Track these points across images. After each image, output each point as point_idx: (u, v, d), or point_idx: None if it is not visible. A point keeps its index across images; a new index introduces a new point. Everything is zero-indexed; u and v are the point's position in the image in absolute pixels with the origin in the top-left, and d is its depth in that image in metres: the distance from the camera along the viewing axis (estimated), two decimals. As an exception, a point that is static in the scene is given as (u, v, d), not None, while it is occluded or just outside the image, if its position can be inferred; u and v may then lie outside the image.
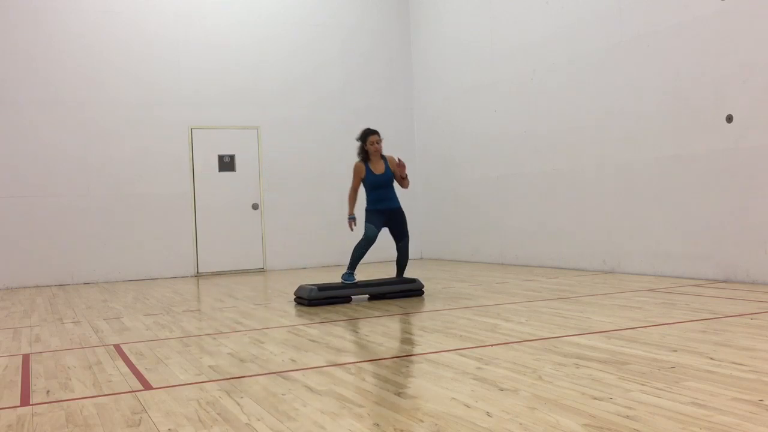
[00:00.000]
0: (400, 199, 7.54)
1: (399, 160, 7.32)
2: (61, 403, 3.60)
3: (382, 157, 7.34)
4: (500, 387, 3.47)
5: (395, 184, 7.49)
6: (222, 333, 5.60)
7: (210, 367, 4.31)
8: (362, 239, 7.25)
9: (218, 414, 3.25)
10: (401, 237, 7.44)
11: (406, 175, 7.39)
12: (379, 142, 7.25)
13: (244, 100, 12.02)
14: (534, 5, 10.08)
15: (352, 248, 7.41)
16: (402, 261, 7.53)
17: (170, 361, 4.54)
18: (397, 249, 7.49)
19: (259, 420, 3.12)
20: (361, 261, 7.46)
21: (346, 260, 12.26)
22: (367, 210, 7.37)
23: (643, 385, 3.38)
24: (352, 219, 7.35)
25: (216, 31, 11.88)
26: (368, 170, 7.26)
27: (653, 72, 8.18)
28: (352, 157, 7.74)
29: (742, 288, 6.81)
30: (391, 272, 10.30)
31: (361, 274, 7.91)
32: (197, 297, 8.48)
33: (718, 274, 7.48)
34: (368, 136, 7.27)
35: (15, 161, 10.71)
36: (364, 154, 7.31)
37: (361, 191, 7.46)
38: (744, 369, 3.62)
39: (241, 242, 11.91)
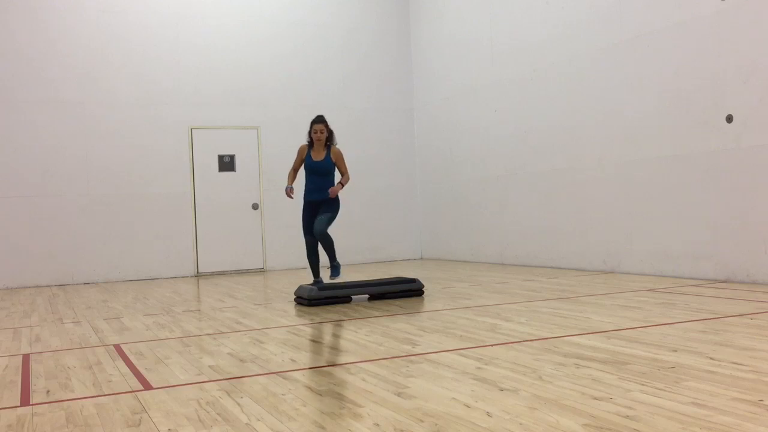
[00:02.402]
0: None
1: (338, 190, 7.40)
2: (61, 403, 3.60)
3: (328, 147, 7.46)
4: (500, 387, 3.47)
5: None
6: (222, 333, 5.60)
7: (210, 367, 4.31)
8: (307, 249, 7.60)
9: (218, 414, 3.25)
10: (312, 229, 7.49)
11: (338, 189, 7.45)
12: (322, 131, 7.39)
13: (244, 100, 12.02)
14: (534, 5, 10.08)
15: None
16: (314, 258, 7.66)
17: (170, 361, 4.54)
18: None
19: (259, 420, 3.12)
20: (360, 262, 7.57)
21: (346, 260, 12.30)
22: (303, 201, 7.58)
23: (643, 385, 3.38)
24: (290, 188, 7.48)
25: (216, 31, 11.88)
26: (308, 154, 7.48)
27: (653, 72, 8.18)
28: (352, 156, 7.77)
29: (742, 288, 6.81)
30: (391, 272, 10.31)
31: (362, 274, 7.92)
32: (197, 297, 8.48)
33: (718, 274, 7.48)
34: (312, 125, 7.47)
35: (15, 161, 10.71)
36: (310, 139, 7.50)
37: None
38: (744, 369, 3.62)
39: (241, 242, 11.91)
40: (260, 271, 11.96)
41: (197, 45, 11.73)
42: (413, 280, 7.38)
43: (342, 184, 7.44)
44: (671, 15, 7.95)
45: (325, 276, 7.94)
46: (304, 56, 12.42)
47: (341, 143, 12.41)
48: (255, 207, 12.02)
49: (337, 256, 7.67)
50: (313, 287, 7.00)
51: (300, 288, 7.21)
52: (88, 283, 10.91)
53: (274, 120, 12.18)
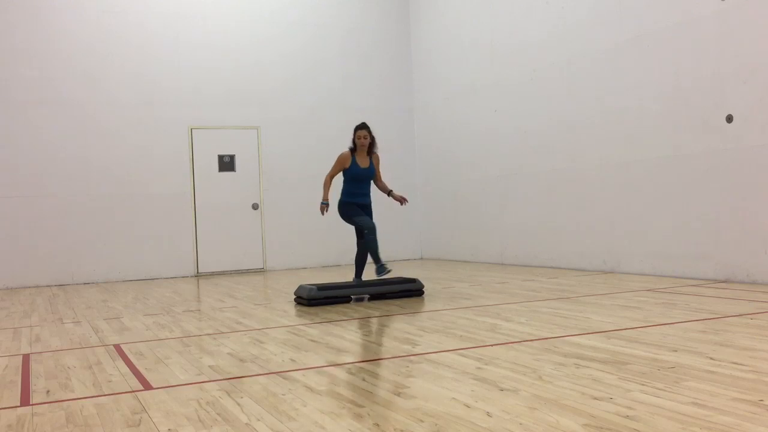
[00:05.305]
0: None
1: (402, 200, 7.65)
2: (61, 403, 3.60)
3: (369, 153, 7.52)
4: (500, 387, 3.47)
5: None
6: (222, 333, 5.60)
7: (210, 367, 4.31)
8: (368, 233, 7.32)
9: (218, 414, 3.25)
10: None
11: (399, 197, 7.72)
12: (366, 137, 7.43)
13: (244, 100, 12.02)
14: (534, 5, 10.08)
15: (356, 252, 7.61)
16: (362, 258, 7.60)
17: (170, 361, 4.54)
18: (359, 244, 7.56)
19: (259, 420, 3.12)
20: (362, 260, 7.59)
21: (346, 260, 12.31)
22: (343, 203, 7.46)
23: (643, 385, 3.38)
24: (325, 204, 7.46)
25: (216, 31, 11.88)
26: (354, 162, 7.46)
27: (653, 72, 8.18)
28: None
29: (742, 288, 6.81)
30: (391, 272, 10.29)
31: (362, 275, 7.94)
32: (197, 297, 8.48)
33: (718, 274, 7.48)
34: (357, 131, 7.49)
35: (15, 161, 10.71)
36: (354, 146, 7.50)
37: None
38: (744, 369, 3.62)
39: (241, 242, 11.91)
40: (260, 271, 11.96)
41: (197, 45, 11.73)
42: (413, 280, 7.38)
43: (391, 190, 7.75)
44: (671, 15, 7.95)
45: (344, 277, 7.85)
46: (304, 56, 12.42)
47: (341, 143, 12.47)
48: (255, 207, 12.02)
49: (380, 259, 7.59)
50: (313, 287, 6.99)
51: (300, 288, 7.21)
52: (88, 283, 10.91)
53: (274, 120, 12.18)
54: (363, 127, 7.50)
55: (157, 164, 11.46)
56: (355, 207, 7.43)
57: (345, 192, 7.49)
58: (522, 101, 10.41)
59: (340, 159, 7.45)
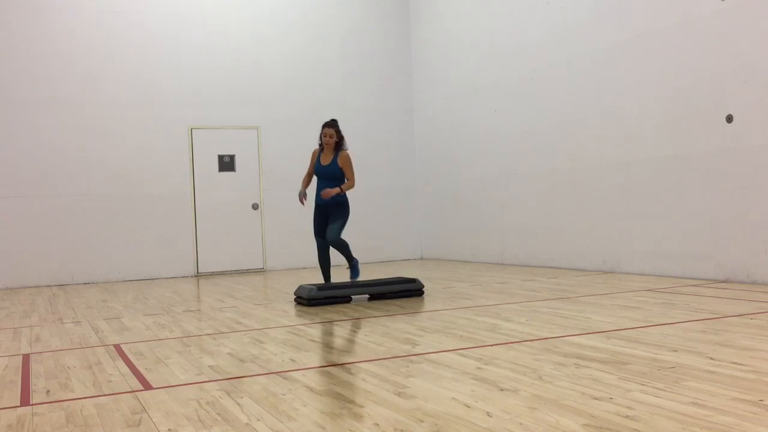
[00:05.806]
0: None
1: (332, 192, 7.28)
2: (61, 403, 3.60)
3: (337, 151, 7.44)
4: (500, 387, 3.47)
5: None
6: (222, 333, 5.60)
7: (210, 367, 4.31)
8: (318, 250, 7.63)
9: (218, 414, 3.25)
10: (324, 233, 7.49)
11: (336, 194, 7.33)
12: (331, 136, 7.40)
13: (244, 100, 12.02)
14: (534, 5, 10.08)
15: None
16: (338, 260, 7.71)
17: (170, 361, 4.54)
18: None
19: (259, 420, 3.12)
20: (360, 262, 7.65)
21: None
22: (314, 202, 7.63)
23: (643, 385, 3.38)
24: (302, 194, 7.58)
25: (216, 31, 11.88)
26: (318, 158, 7.50)
27: (653, 72, 8.18)
28: (352, 156, 7.77)
29: (742, 288, 6.81)
30: (391, 272, 10.31)
31: (362, 274, 7.96)
32: (197, 297, 8.48)
33: (718, 274, 7.48)
34: (323, 128, 7.49)
35: (15, 161, 10.71)
36: (321, 143, 7.52)
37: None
38: (744, 369, 3.62)
39: (241, 242, 11.91)
40: (260, 271, 11.96)
41: (197, 45, 11.73)
42: (413, 280, 7.37)
43: (341, 189, 7.31)
44: (671, 15, 7.95)
45: (344, 276, 7.93)
46: (304, 56, 12.42)
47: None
48: (255, 207, 12.02)
49: (353, 255, 7.57)
50: (313, 287, 7.00)
51: (300, 288, 7.21)
52: (88, 283, 10.91)
53: (274, 120, 12.18)
54: (329, 125, 7.45)
55: (157, 164, 11.46)
56: (316, 211, 7.51)
57: (315, 190, 7.60)
58: (522, 101, 10.41)
59: (311, 155, 7.65)
